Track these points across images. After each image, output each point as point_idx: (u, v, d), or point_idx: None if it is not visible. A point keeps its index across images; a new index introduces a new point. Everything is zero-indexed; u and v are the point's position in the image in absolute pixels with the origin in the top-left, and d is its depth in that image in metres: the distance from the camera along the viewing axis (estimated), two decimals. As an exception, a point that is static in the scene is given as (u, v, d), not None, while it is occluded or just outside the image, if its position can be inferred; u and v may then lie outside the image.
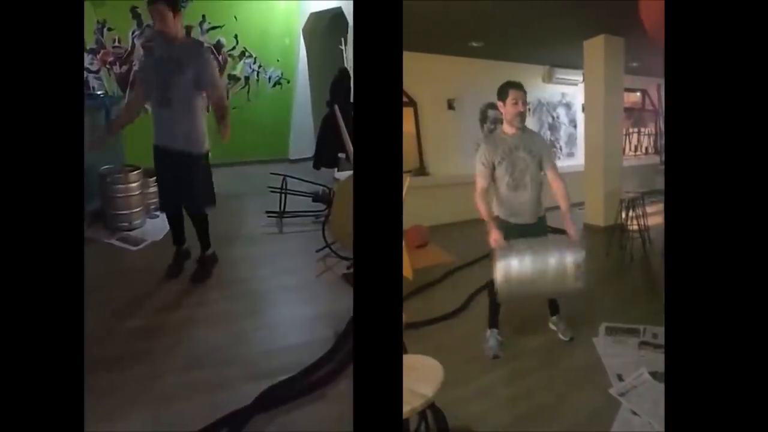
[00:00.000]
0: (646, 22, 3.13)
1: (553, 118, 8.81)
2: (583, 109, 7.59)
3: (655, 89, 9.39)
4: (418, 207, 5.45)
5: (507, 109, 2.80)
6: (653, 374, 2.59)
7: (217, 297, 3.52)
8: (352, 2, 4.88)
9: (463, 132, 7.34)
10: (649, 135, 9.78)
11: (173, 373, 2.64)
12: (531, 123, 7.77)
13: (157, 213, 4.89)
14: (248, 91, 7.40)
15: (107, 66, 6.41)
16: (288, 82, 7.61)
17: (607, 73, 6.07)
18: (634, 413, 2.32)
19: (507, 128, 2.85)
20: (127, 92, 6.34)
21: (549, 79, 8.37)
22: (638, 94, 9.51)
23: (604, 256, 4.81)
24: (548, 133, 8.60)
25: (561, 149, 8.86)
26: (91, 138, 3.59)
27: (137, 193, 4.71)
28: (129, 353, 2.80)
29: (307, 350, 2.81)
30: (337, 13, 6.40)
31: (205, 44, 3.50)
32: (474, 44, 6.47)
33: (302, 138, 7.52)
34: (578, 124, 8.96)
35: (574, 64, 7.51)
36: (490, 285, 3.03)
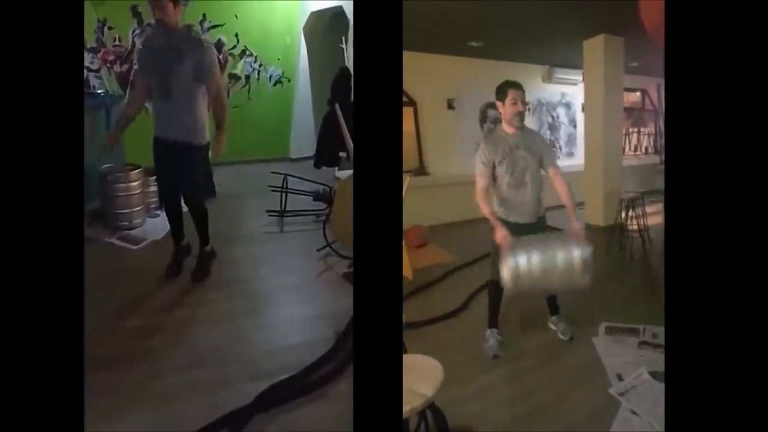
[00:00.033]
0: (646, 22, 3.13)
1: (552, 117, 8.81)
2: (583, 109, 7.58)
3: (655, 89, 9.39)
4: (418, 207, 5.45)
5: (506, 109, 2.80)
6: (653, 374, 2.59)
7: (217, 296, 3.52)
8: (352, 1, 4.89)
9: (462, 132, 7.34)
10: (648, 135, 9.78)
11: (173, 372, 2.64)
12: (531, 123, 7.78)
13: (158, 212, 4.89)
14: (249, 90, 7.40)
15: (108, 65, 6.41)
16: (289, 80, 7.61)
17: (607, 73, 6.07)
18: (634, 413, 2.32)
19: (506, 128, 2.85)
20: (128, 91, 6.34)
21: (549, 78, 8.37)
22: (638, 93, 9.51)
23: (603, 256, 4.80)
24: (548, 132, 8.60)
25: (561, 149, 8.86)
26: (101, 143, 3.64)
27: (138, 192, 4.71)
28: (129, 352, 2.80)
29: (307, 349, 2.81)
30: (337, 12, 6.40)
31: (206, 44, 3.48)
32: (474, 44, 6.47)
33: (303, 137, 7.51)
34: (578, 124, 8.97)
35: (574, 64, 7.51)
36: (490, 285, 3.04)
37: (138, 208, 4.75)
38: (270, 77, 7.52)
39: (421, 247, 5.48)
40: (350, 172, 4.12)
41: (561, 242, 2.58)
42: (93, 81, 6.29)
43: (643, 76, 8.73)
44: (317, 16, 7.07)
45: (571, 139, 9.06)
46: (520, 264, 2.49)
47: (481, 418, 2.35)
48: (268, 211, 5.20)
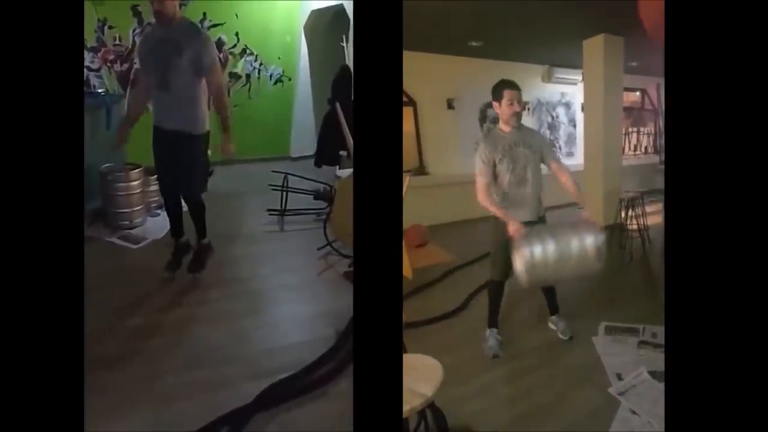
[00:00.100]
0: (646, 22, 3.14)
1: (552, 117, 8.81)
2: (583, 109, 7.58)
3: (655, 88, 9.39)
4: (418, 206, 5.45)
5: (503, 110, 2.79)
6: (652, 373, 2.60)
7: (217, 295, 3.52)
8: (352, 1, 4.89)
9: (462, 131, 7.35)
10: (648, 134, 9.78)
11: (174, 372, 2.64)
12: (530, 122, 7.79)
13: (158, 211, 4.89)
14: (249, 89, 7.40)
15: (108, 64, 6.41)
16: (289, 79, 7.60)
17: (607, 73, 6.06)
18: (634, 412, 2.32)
19: (504, 127, 2.84)
20: (128, 90, 6.34)
21: (548, 78, 8.37)
22: (638, 93, 9.51)
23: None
24: (547, 132, 8.60)
25: (560, 149, 8.86)
26: (109, 143, 3.66)
27: (138, 191, 4.71)
28: (129, 352, 2.80)
29: (308, 349, 2.82)
30: (338, 10, 6.40)
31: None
32: (473, 44, 6.47)
33: (303, 135, 7.51)
34: (577, 124, 8.97)
35: (574, 64, 7.51)
36: (489, 284, 3.04)
37: (138, 208, 4.75)
38: (270, 76, 7.51)
39: (421, 247, 5.48)
40: (351, 170, 4.12)
41: (573, 230, 2.57)
42: (93, 80, 6.29)
43: (642, 76, 8.73)
44: (318, 15, 7.06)
45: (571, 139, 9.06)
46: (535, 254, 2.48)
47: (481, 417, 2.35)
48: (269, 210, 5.20)
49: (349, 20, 5.86)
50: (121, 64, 6.48)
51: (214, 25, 6.91)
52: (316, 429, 2.30)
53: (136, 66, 5.27)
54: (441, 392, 1.78)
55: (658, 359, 2.69)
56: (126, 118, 3.76)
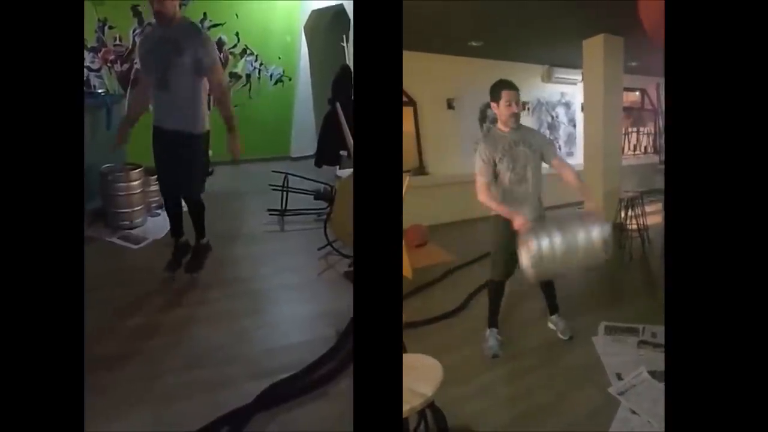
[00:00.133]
0: (646, 22, 3.14)
1: (552, 117, 8.81)
2: (582, 109, 7.58)
3: (655, 88, 9.39)
4: (418, 206, 5.45)
5: (501, 111, 2.78)
6: (652, 373, 2.60)
7: (218, 295, 3.52)
8: (352, 1, 4.89)
9: (462, 131, 7.34)
10: (648, 134, 9.78)
11: (174, 372, 2.64)
12: (530, 122, 7.79)
13: (158, 211, 4.89)
14: (250, 89, 7.40)
15: (108, 64, 6.41)
16: (290, 79, 7.61)
17: (607, 73, 6.06)
18: (633, 412, 2.33)
19: (503, 128, 2.84)
20: (128, 90, 6.34)
21: (548, 78, 8.36)
22: (637, 93, 9.51)
23: (603, 256, 4.81)
24: (547, 132, 8.60)
25: (560, 149, 8.86)
26: (110, 143, 3.67)
27: (138, 191, 4.71)
28: (130, 352, 2.80)
29: (308, 348, 2.82)
30: (338, 10, 6.40)
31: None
32: (473, 44, 6.46)
33: (304, 135, 7.51)
34: (577, 124, 8.96)
35: (574, 64, 7.51)
36: (489, 284, 3.04)
37: (138, 208, 4.75)
38: (271, 76, 7.52)
39: (421, 247, 5.48)
40: (351, 170, 4.12)
41: (579, 221, 2.57)
42: (93, 80, 6.29)
43: (642, 76, 8.73)
44: (318, 14, 7.07)
45: (571, 139, 9.06)
46: (543, 246, 2.48)
47: (481, 417, 2.35)
48: (269, 210, 5.20)
49: (349, 20, 5.87)
50: (122, 64, 6.48)
51: (215, 25, 6.91)
52: (316, 429, 2.30)
53: (137, 66, 5.28)
54: (441, 392, 1.79)
55: (658, 359, 2.69)
56: (126, 118, 3.77)
